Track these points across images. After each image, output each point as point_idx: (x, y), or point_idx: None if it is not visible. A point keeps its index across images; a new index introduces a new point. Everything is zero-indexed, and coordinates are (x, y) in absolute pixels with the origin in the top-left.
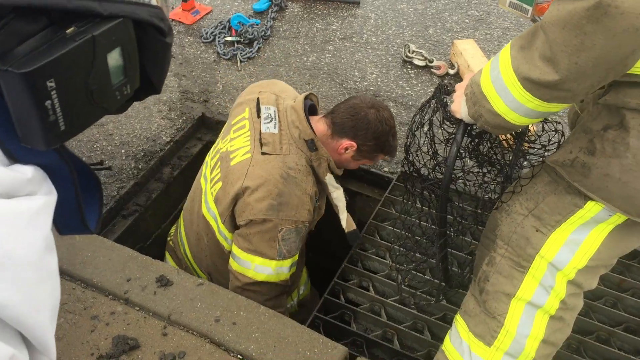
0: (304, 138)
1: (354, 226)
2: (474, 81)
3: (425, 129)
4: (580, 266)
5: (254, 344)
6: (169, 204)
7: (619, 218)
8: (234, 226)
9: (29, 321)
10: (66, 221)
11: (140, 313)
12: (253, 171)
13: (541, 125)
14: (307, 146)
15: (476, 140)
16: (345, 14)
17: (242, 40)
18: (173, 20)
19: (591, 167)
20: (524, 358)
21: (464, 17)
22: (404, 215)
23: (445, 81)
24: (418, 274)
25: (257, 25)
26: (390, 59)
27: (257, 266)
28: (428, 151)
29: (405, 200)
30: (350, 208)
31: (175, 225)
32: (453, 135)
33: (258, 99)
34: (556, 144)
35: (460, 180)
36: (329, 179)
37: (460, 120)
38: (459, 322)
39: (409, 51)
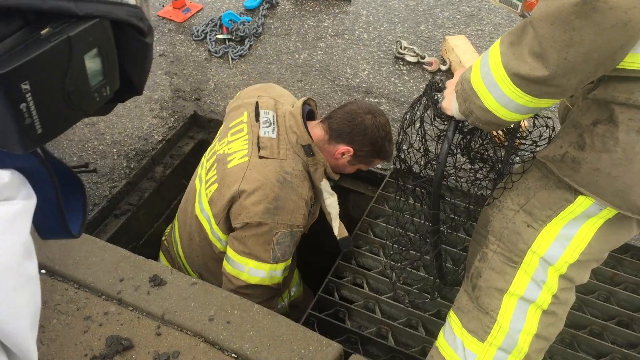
0: (301, 143)
1: (345, 233)
2: (464, 78)
3: (417, 126)
4: (572, 260)
5: (249, 343)
6: (162, 203)
7: (609, 212)
8: (228, 228)
9: (7, 328)
10: (47, 225)
11: (134, 313)
12: (250, 174)
13: (532, 121)
14: (304, 151)
15: (468, 137)
16: (337, 11)
17: (233, 37)
18: (164, 18)
19: (581, 162)
20: (517, 353)
21: (455, 13)
22: (398, 213)
23: (438, 77)
24: (413, 270)
25: (249, 22)
26: (382, 55)
27: (251, 269)
28: (420, 148)
29: (398, 197)
30: (343, 205)
31: (170, 225)
32: (444, 133)
33: (257, 103)
34: (547, 139)
35: (452, 177)
36: (324, 185)
37: (451, 117)
38: (452, 318)
39: (400, 47)
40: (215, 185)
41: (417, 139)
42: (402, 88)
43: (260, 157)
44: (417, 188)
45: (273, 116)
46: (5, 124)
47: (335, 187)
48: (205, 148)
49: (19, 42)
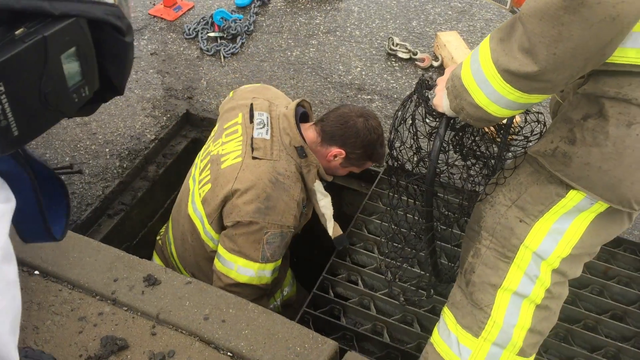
0: (294, 145)
1: (340, 232)
2: (454, 74)
3: (408, 124)
4: (564, 255)
5: (244, 341)
6: (155, 202)
7: (600, 206)
8: (221, 227)
9: None
10: (28, 228)
11: (129, 313)
12: (243, 175)
13: (524, 117)
14: (297, 153)
15: (460, 133)
16: (329, 8)
17: (225, 35)
18: (155, 16)
19: (572, 157)
20: (511, 348)
21: (446, 9)
22: (392, 210)
23: (430, 74)
24: (408, 267)
25: (240, 20)
26: (374, 52)
27: (240, 267)
28: (412, 146)
29: (391, 194)
30: (337, 202)
31: (165, 225)
32: (436, 130)
33: (252, 104)
34: (538, 134)
35: (444, 174)
36: (318, 186)
37: (443, 114)
38: (446, 314)
39: (392, 44)
40: (209, 185)
41: (410, 136)
42: (394, 85)
43: (254, 157)
44: (410, 185)
45: (267, 118)
46: None
47: (329, 184)
48: (199, 147)
49: None
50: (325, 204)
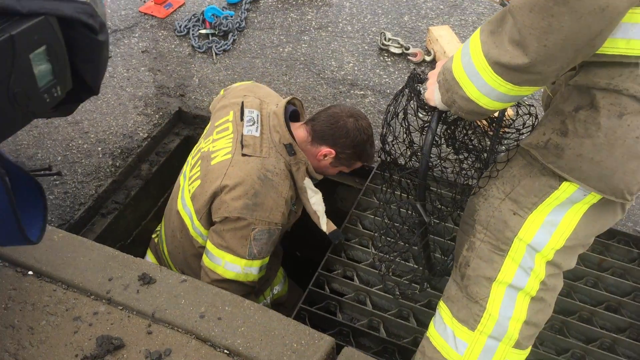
0: (283, 142)
1: (334, 227)
2: (445, 68)
3: (401, 118)
4: (558, 247)
5: (241, 338)
6: (149, 200)
7: (593, 197)
8: (210, 223)
9: None
10: (2, 232)
11: (124, 312)
12: (232, 171)
13: (516, 109)
14: (287, 150)
15: (452, 127)
16: (320, 3)
17: (216, 32)
18: (145, 14)
19: (564, 148)
20: (507, 340)
21: (438, 3)
22: (385, 205)
23: (422, 68)
24: (402, 261)
25: (232, 17)
26: (366, 47)
27: (227, 263)
28: (404, 140)
29: (385, 189)
30: (331, 198)
31: (160, 222)
32: (428, 123)
33: (243, 102)
34: (530, 127)
35: (437, 168)
36: (308, 183)
37: (435, 108)
38: (442, 308)
39: (385, 39)
40: (198, 182)
41: (402, 130)
42: (387, 79)
43: (243, 154)
44: (403, 179)
45: (257, 115)
46: None
47: (323, 179)
48: (191, 144)
49: None
50: (316, 200)
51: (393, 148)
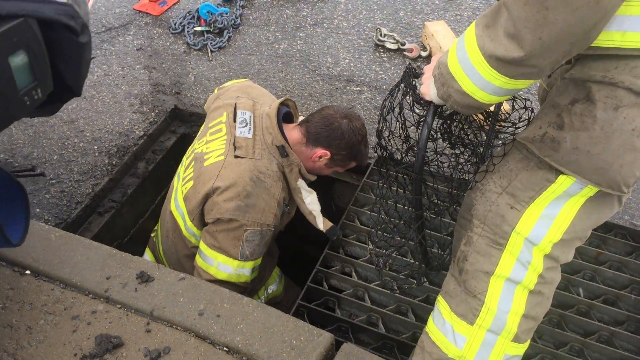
0: (275, 144)
1: (330, 224)
2: (441, 62)
3: (396, 113)
4: (556, 240)
5: (240, 336)
6: (146, 198)
7: (590, 190)
8: (203, 224)
9: None
10: None
11: (122, 311)
12: (225, 172)
13: (511, 103)
14: (279, 152)
15: (448, 121)
16: (315, 0)
17: (211, 29)
18: (140, 11)
19: (560, 141)
20: (506, 334)
21: None
22: (382, 200)
23: (418, 63)
24: (399, 256)
25: (227, 14)
26: (362, 43)
27: (219, 264)
28: (400, 135)
29: (381, 184)
30: (328, 194)
31: (158, 222)
32: (424, 118)
33: (235, 104)
34: (526, 120)
35: (434, 163)
36: (301, 183)
37: (430, 102)
38: (440, 303)
39: (380, 35)
40: (191, 183)
41: (398, 125)
42: (383, 75)
43: (236, 156)
44: (399, 174)
45: (250, 117)
46: None
47: (321, 176)
48: (188, 142)
49: None
50: (311, 200)
51: (389, 143)
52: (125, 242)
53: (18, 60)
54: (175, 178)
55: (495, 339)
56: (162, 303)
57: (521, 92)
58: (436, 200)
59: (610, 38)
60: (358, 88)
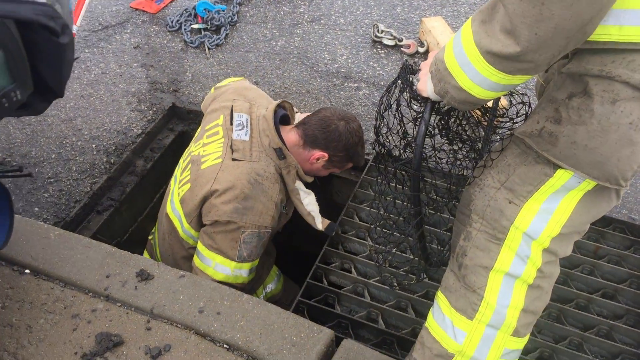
0: (273, 146)
1: (327, 221)
2: (438, 58)
3: (394, 109)
4: (554, 234)
5: (240, 333)
6: (145, 196)
7: (588, 184)
8: (200, 225)
9: None
10: None
11: (122, 309)
12: (222, 175)
13: (508, 98)
14: (276, 154)
15: (445, 117)
16: None
17: (208, 27)
18: (137, 9)
19: (558, 136)
20: (505, 328)
21: None
22: (381, 196)
23: (416, 59)
24: (398, 252)
25: (224, 11)
26: (359, 39)
27: (217, 265)
28: (398, 132)
29: (380, 180)
30: (327, 191)
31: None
32: (421, 114)
33: (232, 106)
34: (524, 115)
35: (432, 159)
36: (299, 184)
37: (427, 99)
38: (440, 298)
39: (378, 31)
40: (188, 185)
41: (396, 122)
42: (380, 72)
43: (233, 159)
44: (397, 171)
45: (247, 119)
46: None
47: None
48: (186, 140)
49: None
50: (310, 201)
51: (387, 140)
52: (124, 240)
53: None
54: (172, 180)
55: (495, 334)
56: (162, 301)
57: (518, 87)
58: (435, 197)
59: (607, 32)
60: (356, 84)
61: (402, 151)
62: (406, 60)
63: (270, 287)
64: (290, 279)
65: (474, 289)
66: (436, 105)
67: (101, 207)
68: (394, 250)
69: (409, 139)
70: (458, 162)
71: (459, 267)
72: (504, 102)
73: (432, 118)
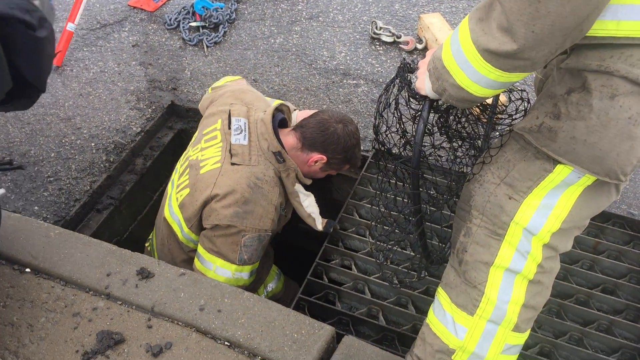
0: (272, 150)
1: (325, 220)
2: (435, 56)
3: (393, 108)
4: (554, 229)
5: (241, 330)
6: (144, 195)
7: (588, 179)
8: (201, 229)
9: None
10: None
11: (123, 307)
12: (222, 180)
13: (507, 95)
14: (275, 158)
15: (444, 115)
16: None
17: (207, 25)
18: (135, 7)
19: (557, 131)
20: (506, 324)
21: None
22: (381, 194)
23: (414, 56)
24: (399, 250)
25: (222, 8)
26: (358, 36)
27: (218, 268)
28: (397, 130)
29: (380, 178)
30: (327, 188)
31: (152, 231)
32: (420, 112)
33: (230, 110)
34: (523, 111)
35: (432, 157)
36: (299, 187)
37: (426, 97)
38: (441, 294)
39: (376, 28)
40: (187, 190)
41: (395, 120)
42: (379, 68)
43: (232, 163)
44: (397, 169)
45: (245, 123)
46: None
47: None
48: (185, 138)
49: None
50: (309, 203)
51: (386, 138)
52: (124, 238)
53: None
54: (169, 185)
55: (496, 329)
56: (163, 299)
57: (517, 84)
58: (435, 194)
59: (605, 27)
60: (355, 81)
61: (401, 149)
62: (404, 58)
63: (271, 286)
64: (291, 277)
65: (474, 285)
66: (435, 104)
67: (101, 205)
68: (395, 248)
69: (408, 137)
70: (458, 160)
71: (459, 263)
72: (503, 98)
73: (431, 116)
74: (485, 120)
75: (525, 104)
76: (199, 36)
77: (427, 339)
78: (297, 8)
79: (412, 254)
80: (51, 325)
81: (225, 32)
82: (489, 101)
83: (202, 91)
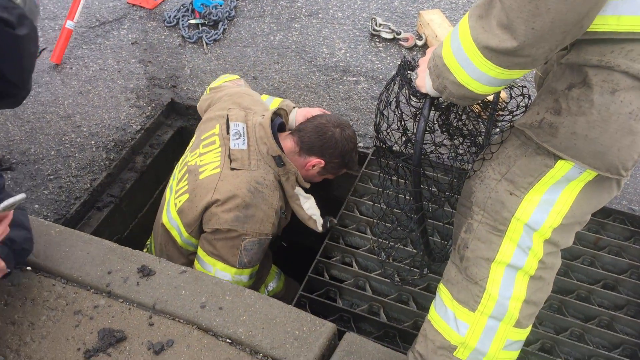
0: (271, 154)
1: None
2: (435, 54)
3: (393, 106)
4: (556, 225)
5: (242, 327)
6: (144, 193)
7: (589, 175)
8: (201, 233)
9: None
10: None
11: (125, 305)
12: (222, 185)
13: (508, 91)
14: (275, 162)
15: (445, 113)
16: None
17: (206, 22)
18: (134, 5)
19: (558, 127)
20: (508, 320)
21: None
22: (382, 191)
23: (414, 53)
24: (401, 247)
25: (221, 6)
26: (357, 33)
27: (218, 271)
28: (398, 128)
29: (381, 175)
30: (327, 185)
31: (150, 237)
32: (420, 110)
33: (227, 115)
34: (524, 107)
35: (433, 154)
36: (299, 190)
37: (426, 95)
38: (442, 291)
39: (375, 24)
40: (186, 196)
41: (395, 118)
42: (379, 65)
43: (232, 168)
44: (399, 166)
45: (243, 128)
46: None
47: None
48: (185, 135)
49: None
50: (310, 205)
51: (387, 137)
52: (124, 236)
53: None
54: (167, 190)
55: (497, 325)
56: (164, 296)
57: (517, 80)
58: (436, 192)
59: (606, 22)
60: (354, 78)
61: (402, 147)
62: (404, 56)
63: (272, 285)
64: (292, 275)
65: (475, 281)
66: (435, 101)
67: (101, 203)
68: (397, 246)
69: (409, 135)
70: (459, 157)
71: (460, 259)
72: (503, 95)
73: (432, 113)
74: (485, 117)
75: (526, 100)
76: (199, 33)
77: (429, 335)
78: (296, 5)
79: (414, 251)
80: (52, 324)
81: (224, 29)
82: (490, 98)
83: (202, 88)
